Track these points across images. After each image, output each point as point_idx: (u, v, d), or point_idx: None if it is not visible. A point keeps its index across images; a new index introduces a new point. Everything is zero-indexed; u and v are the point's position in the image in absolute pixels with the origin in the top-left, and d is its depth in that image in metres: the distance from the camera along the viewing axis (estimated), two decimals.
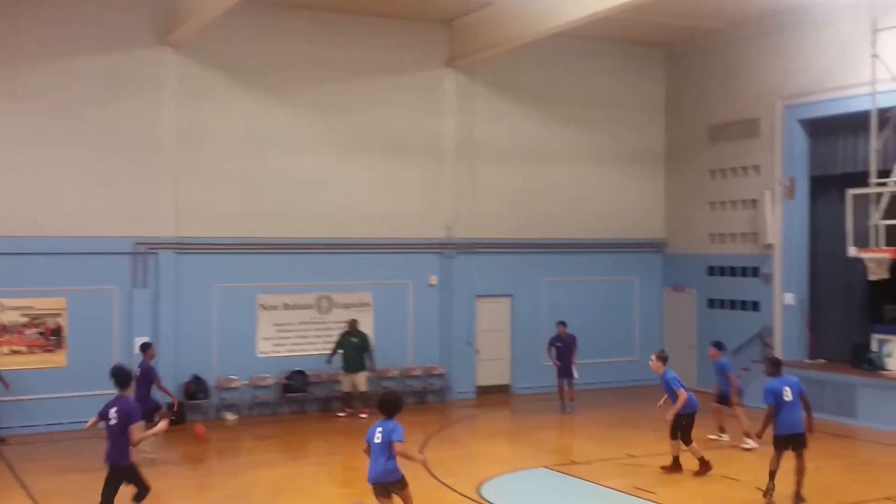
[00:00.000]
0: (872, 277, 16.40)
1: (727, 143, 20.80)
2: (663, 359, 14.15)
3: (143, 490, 9.91)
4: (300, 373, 18.59)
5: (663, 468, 13.54)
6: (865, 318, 18.76)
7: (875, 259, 16.17)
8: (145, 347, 15.19)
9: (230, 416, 17.81)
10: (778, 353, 19.28)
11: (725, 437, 15.87)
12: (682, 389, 13.77)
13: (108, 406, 9.78)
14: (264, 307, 18.58)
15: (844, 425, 16.90)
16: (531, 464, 14.09)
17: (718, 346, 16.34)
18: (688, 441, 13.59)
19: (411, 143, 19.77)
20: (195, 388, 17.71)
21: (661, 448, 15.12)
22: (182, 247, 17.83)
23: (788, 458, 11.70)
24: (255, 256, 18.45)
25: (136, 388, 11.64)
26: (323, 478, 13.64)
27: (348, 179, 19.16)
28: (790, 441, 11.56)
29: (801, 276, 19.57)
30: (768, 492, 11.62)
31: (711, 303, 21.18)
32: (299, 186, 18.72)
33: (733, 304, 20.64)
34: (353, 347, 18.37)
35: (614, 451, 14.95)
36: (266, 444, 16.04)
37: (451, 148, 20.18)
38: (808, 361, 19.13)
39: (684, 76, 22.08)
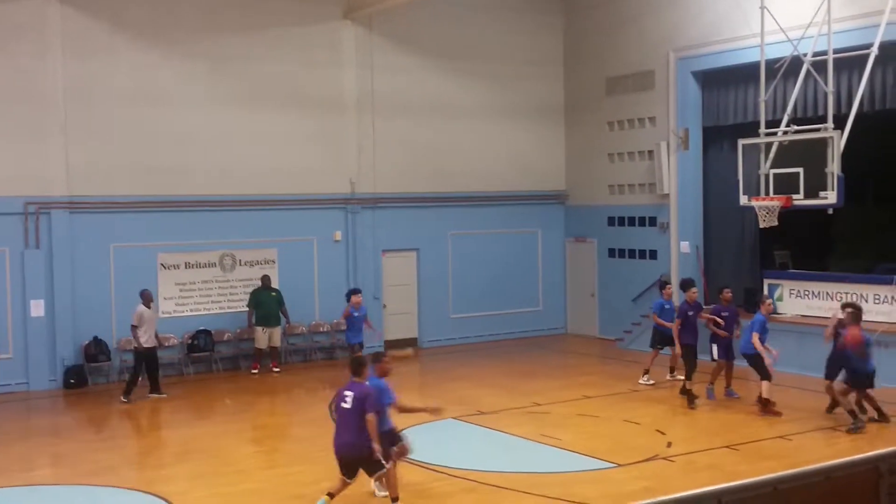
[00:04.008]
0: (763, 225, 16.99)
1: (624, 96, 21.17)
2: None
3: None
4: (205, 332, 18.35)
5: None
6: (757, 264, 19.54)
7: (765, 207, 16.75)
8: None
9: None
10: (675, 298, 19.94)
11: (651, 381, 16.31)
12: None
13: None
14: (165, 266, 18.22)
15: (738, 367, 17.60)
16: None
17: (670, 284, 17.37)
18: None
19: (311, 97, 19.50)
20: (96, 350, 17.31)
21: (564, 395, 15.56)
22: (75, 206, 17.29)
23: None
24: (154, 215, 18.02)
25: None
26: (231, 437, 13.57)
27: (247, 134, 18.82)
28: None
29: (695, 224, 20.20)
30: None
31: (612, 252, 21.69)
32: (196, 142, 18.31)
33: (632, 254, 21.19)
34: (271, 302, 18.31)
35: (520, 400, 15.28)
36: (172, 404, 15.84)
37: (351, 102, 19.99)
38: (703, 306, 19.79)
39: (581, 28, 22.31)
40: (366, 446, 9.17)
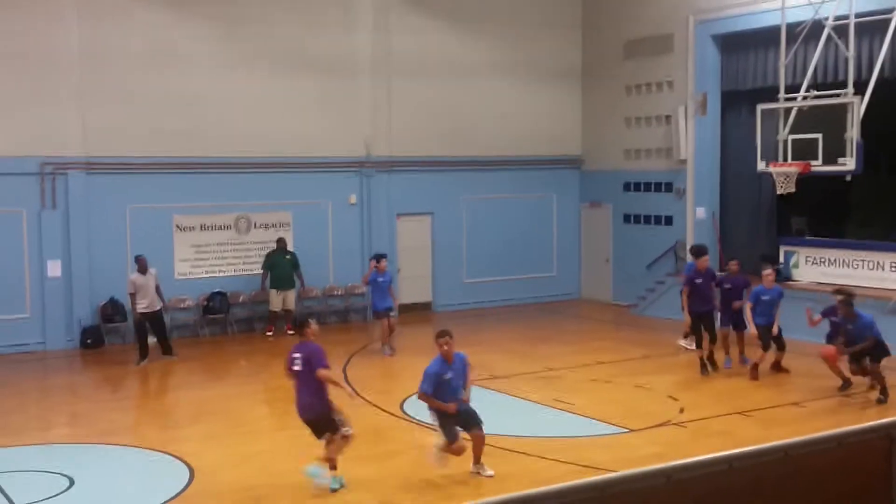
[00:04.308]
0: (780, 191, 16.87)
1: (642, 59, 20.95)
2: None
3: None
4: (220, 294, 18.44)
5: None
6: (773, 230, 19.42)
7: (783, 173, 16.61)
8: None
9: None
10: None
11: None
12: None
13: None
14: (180, 228, 18.27)
15: (754, 333, 17.54)
16: None
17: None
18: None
19: (326, 59, 19.39)
20: (112, 310, 17.45)
21: (578, 360, 15.59)
22: (92, 167, 17.34)
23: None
24: (170, 176, 18.05)
25: None
26: (245, 399, 13.68)
27: (262, 97, 18.77)
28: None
29: (712, 190, 20.07)
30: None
31: (627, 218, 21.59)
32: (212, 104, 18.28)
33: (648, 220, 21.09)
34: (286, 265, 18.36)
35: (534, 365, 15.31)
36: (187, 365, 15.96)
37: (366, 64, 19.88)
38: (718, 273, 19.72)
39: None
40: (324, 406, 9.24)
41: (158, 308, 16.02)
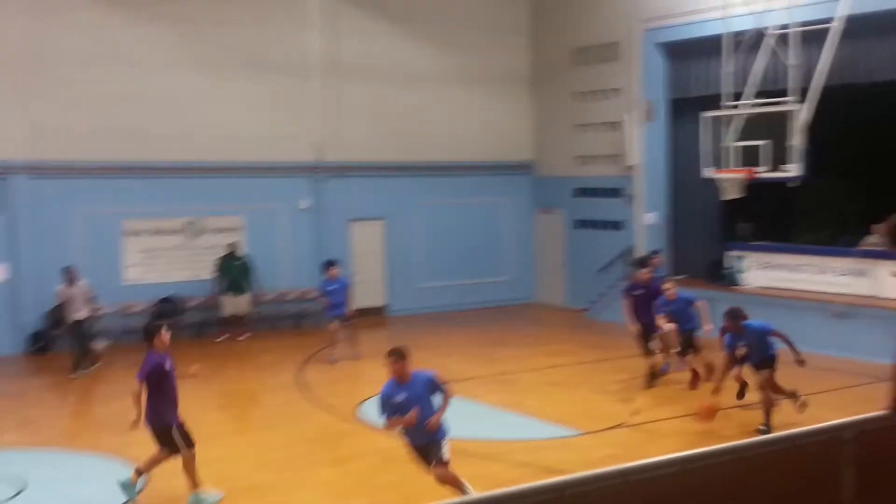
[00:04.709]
0: (726, 197, 17.18)
1: (590, 66, 21.21)
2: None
3: None
4: (170, 299, 18.24)
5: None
6: (721, 236, 19.77)
7: (728, 179, 16.93)
8: None
9: (100, 343, 17.34)
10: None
11: None
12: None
13: None
14: (130, 233, 18.05)
15: (702, 338, 17.81)
16: None
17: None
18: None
19: (276, 62, 19.33)
20: (60, 315, 17.12)
21: (533, 364, 15.72)
22: (37, 171, 17.05)
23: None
24: (119, 181, 17.84)
25: None
26: (199, 403, 13.51)
27: (212, 99, 18.66)
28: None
29: (661, 196, 20.37)
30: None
31: (578, 223, 21.82)
32: (161, 107, 18.12)
33: (599, 224, 21.33)
34: (238, 269, 18.25)
35: (490, 368, 15.40)
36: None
37: (316, 67, 19.84)
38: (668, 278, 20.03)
39: None
40: (157, 418, 9.13)
41: (83, 318, 15.34)
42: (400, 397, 8.61)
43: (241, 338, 18.02)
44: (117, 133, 17.64)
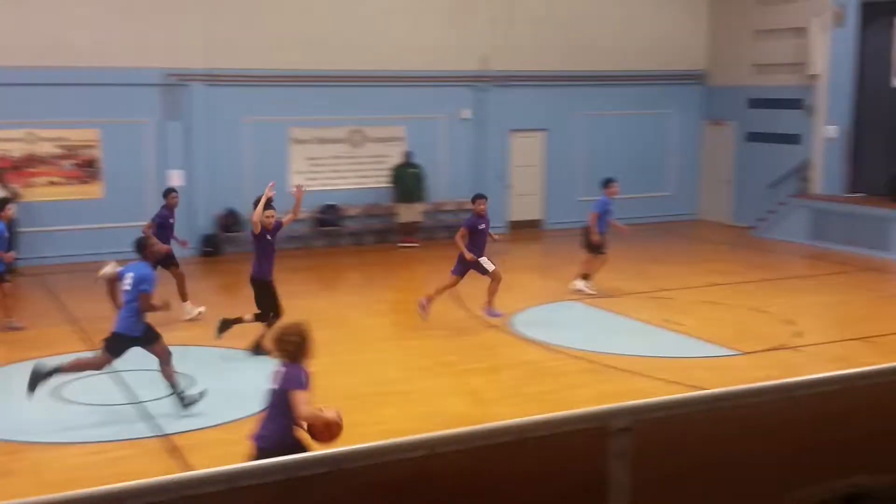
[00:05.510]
0: None
1: None
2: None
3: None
4: (333, 207, 18.69)
5: None
6: None
7: None
8: (167, 193, 13.75)
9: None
10: (817, 186, 19.07)
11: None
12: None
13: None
14: (296, 141, 18.50)
15: (878, 259, 16.78)
16: (563, 297, 14.22)
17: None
18: None
19: None
20: (230, 220, 17.92)
21: (692, 281, 15.21)
22: (212, 78, 17.62)
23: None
24: (286, 89, 18.22)
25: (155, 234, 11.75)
26: (358, 308, 13.90)
27: (378, 9, 18.61)
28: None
29: (845, 107, 19.01)
30: None
31: (752, 136, 20.71)
32: (328, 16, 18.24)
33: (774, 138, 20.16)
34: (412, 178, 18.52)
35: (646, 284, 15.02)
36: (300, 276, 16.28)
37: None
38: (845, 195, 18.87)
39: None
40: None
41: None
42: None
43: (415, 245, 18.29)
44: (288, 43, 17.93)
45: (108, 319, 9.55)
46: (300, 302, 14.50)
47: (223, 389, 9.82)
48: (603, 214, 14.24)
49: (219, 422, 9.03)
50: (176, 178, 17.44)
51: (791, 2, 19.58)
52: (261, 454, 6.06)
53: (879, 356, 10.83)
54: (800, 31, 19.33)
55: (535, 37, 19.90)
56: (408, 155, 18.70)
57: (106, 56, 16.68)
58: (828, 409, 3.54)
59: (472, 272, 12.50)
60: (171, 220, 13.53)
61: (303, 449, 6.14)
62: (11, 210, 12.98)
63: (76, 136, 16.92)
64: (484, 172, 19.89)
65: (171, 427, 8.92)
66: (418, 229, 18.84)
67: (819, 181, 19.15)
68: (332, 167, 18.85)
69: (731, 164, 21.14)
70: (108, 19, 16.72)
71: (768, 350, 11.27)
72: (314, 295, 15.00)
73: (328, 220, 18.61)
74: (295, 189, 11.76)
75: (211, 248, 17.67)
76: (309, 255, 17.99)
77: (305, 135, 18.56)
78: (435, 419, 8.87)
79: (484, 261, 12.43)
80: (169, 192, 13.81)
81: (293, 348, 6.41)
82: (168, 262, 12.98)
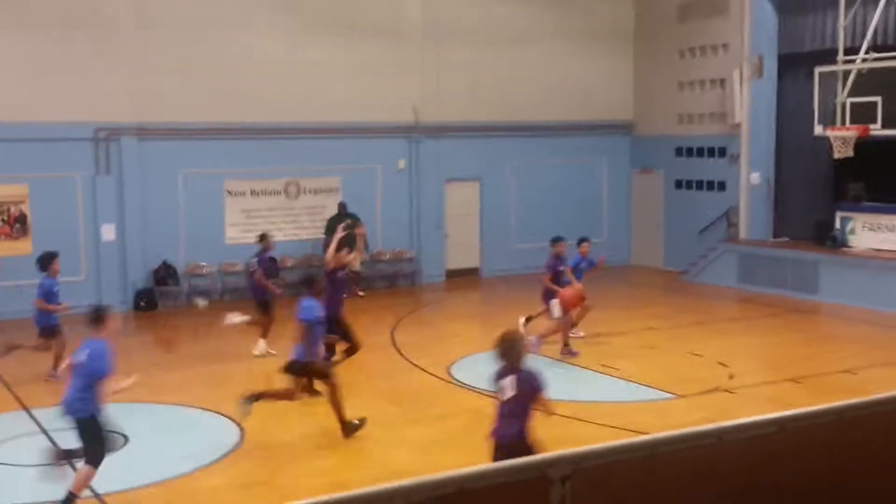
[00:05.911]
0: (838, 156, 16.50)
1: (696, 22, 20.54)
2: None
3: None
4: (271, 258, 18.58)
5: None
6: (829, 196, 19.01)
7: (840, 137, 16.24)
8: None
9: (201, 302, 17.83)
10: (743, 231, 19.61)
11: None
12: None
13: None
14: (231, 193, 18.45)
15: (807, 301, 17.30)
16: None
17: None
18: None
19: (374, 24, 19.33)
20: (165, 273, 17.72)
21: (627, 326, 15.47)
22: (144, 132, 17.54)
23: None
24: (220, 142, 18.20)
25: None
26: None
27: (311, 62, 18.77)
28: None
29: (767, 155, 19.70)
30: None
31: (679, 183, 21.29)
32: (261, 70, 18.33)
33: (700, 185, 20.77)
34: (348, 228, 18.47)
35: (582, 329, 15.20)
36: (240, 328, 16.11)
37: (415, 29, 19.76)
38: (771, 241, 19.46)
39: None
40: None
41: None
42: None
43: (360, 294, 18.23)
44: (219, 96, 17.96)
45: (37, 381, 9.30)
46: (240, 355, 14.39)
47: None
48: (575, 270, 14.41)
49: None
50: (108, 233, 17.26)
51: (711, 55, 20.30)
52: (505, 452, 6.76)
53: (811, 397, 11.15)
54: (722, 83, 20.03)
55: (466, 89, 20.26)
56: (342, 206, 18.74)
57: (34, 111, 16.51)
58: (762, 451, 3.69)
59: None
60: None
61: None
62: None
63: (4, 191, 16.63)
64: (420, 222, 20.07)
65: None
66: (358, 280, 18.82)
67: (745, 227, 19.73)
68: (268, 219, 18.81)
69: (661, 211, 21.67)
70: (36, 74, 16.57)
71: (704, 393, 11.51)
72: (253, 348, 14.85)
73: (266, 271, 18.46)
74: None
75: (145, 302, 17.42)
76: (248, 307, 17.77)
77: (241, 187, 18.53)
78: (379, 471, 8.85)
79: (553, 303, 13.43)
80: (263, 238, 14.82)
81: (520, 355, 7.42)
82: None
